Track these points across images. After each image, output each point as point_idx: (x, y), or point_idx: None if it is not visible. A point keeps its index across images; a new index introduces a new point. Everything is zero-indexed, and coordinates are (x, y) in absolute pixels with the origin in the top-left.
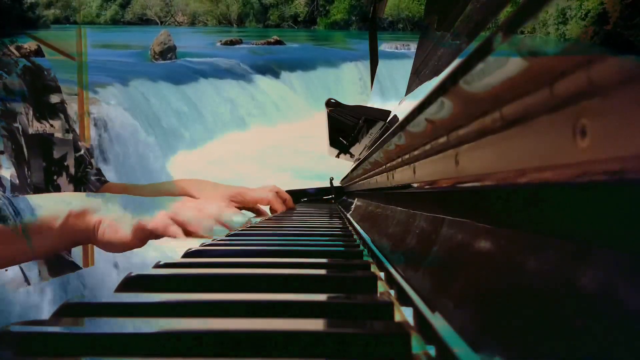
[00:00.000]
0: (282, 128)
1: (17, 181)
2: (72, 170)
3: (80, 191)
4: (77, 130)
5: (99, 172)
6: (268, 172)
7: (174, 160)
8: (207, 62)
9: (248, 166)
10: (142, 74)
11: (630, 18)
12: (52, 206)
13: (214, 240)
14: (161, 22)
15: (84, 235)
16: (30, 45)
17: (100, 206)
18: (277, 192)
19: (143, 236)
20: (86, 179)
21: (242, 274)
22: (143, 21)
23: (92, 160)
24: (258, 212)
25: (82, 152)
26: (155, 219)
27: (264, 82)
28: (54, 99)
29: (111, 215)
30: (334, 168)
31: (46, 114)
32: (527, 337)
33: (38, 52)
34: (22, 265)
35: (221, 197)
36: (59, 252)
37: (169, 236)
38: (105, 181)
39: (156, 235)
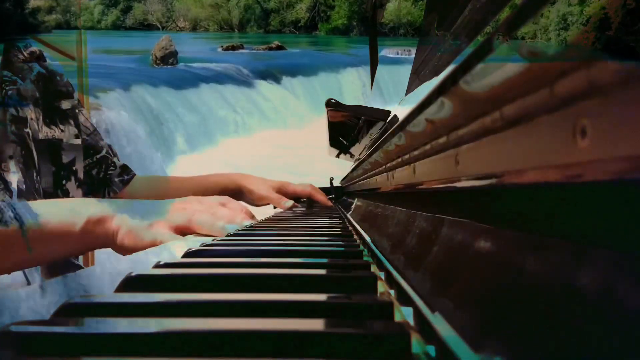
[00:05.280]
0: (284, 133)
1: (24, 187)
2: (80, 175)
3: (103, 193)
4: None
5: (123, 171)
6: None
7: (175, 164)
8: (208, 68)
9: (250, 171)
10: (144, 79)
11: (632, 24)
12: (68, 213)
13: (214, 240)
14: (163, 28)
15: (102, 241)
16: (34, 50)
17: (116, 212)
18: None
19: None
20: (110, 180)
21: (242, 273)
22: (144, 26)
23: (115, 159)
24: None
25: (103, 152)
26: (178, 220)
27: (265, 87)
28: (66, 104)
29: (128, 221)
30: (334, 172)
31: (56, 119)
32: (527, 337)
33: (40, 58)
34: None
35: (267, 188)
36: (73, 256)
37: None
38: (129, 180)
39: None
